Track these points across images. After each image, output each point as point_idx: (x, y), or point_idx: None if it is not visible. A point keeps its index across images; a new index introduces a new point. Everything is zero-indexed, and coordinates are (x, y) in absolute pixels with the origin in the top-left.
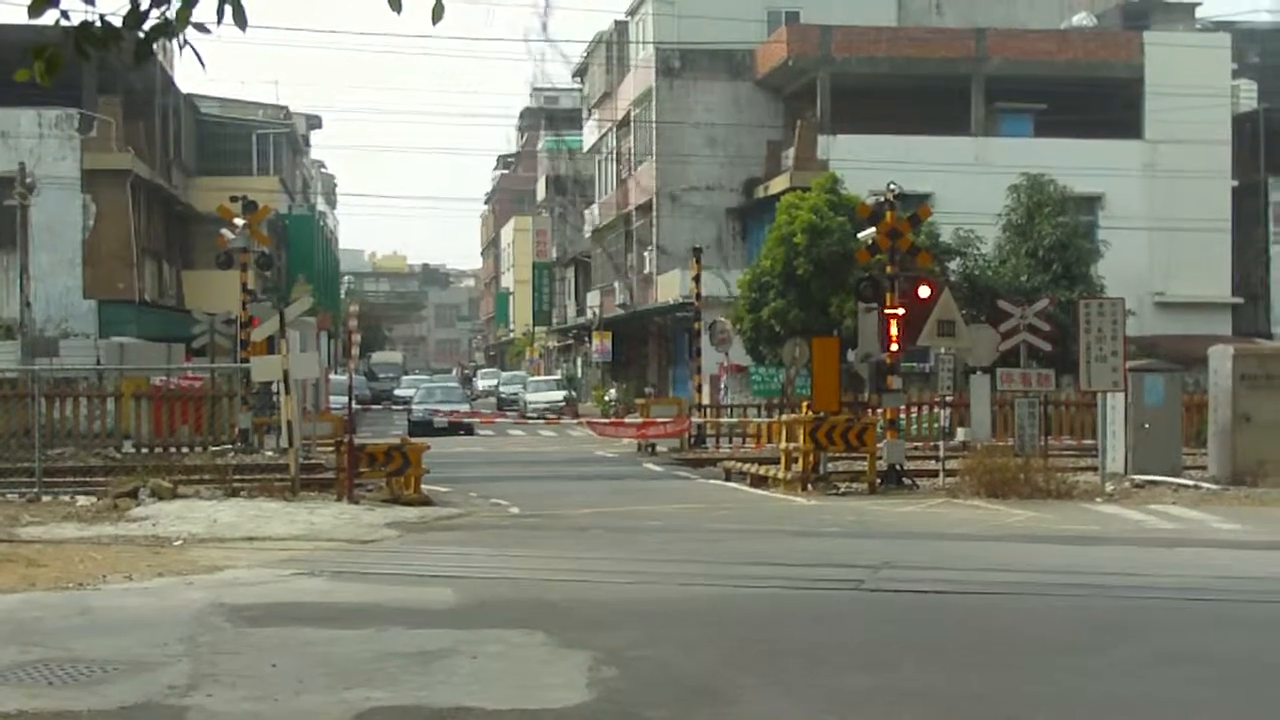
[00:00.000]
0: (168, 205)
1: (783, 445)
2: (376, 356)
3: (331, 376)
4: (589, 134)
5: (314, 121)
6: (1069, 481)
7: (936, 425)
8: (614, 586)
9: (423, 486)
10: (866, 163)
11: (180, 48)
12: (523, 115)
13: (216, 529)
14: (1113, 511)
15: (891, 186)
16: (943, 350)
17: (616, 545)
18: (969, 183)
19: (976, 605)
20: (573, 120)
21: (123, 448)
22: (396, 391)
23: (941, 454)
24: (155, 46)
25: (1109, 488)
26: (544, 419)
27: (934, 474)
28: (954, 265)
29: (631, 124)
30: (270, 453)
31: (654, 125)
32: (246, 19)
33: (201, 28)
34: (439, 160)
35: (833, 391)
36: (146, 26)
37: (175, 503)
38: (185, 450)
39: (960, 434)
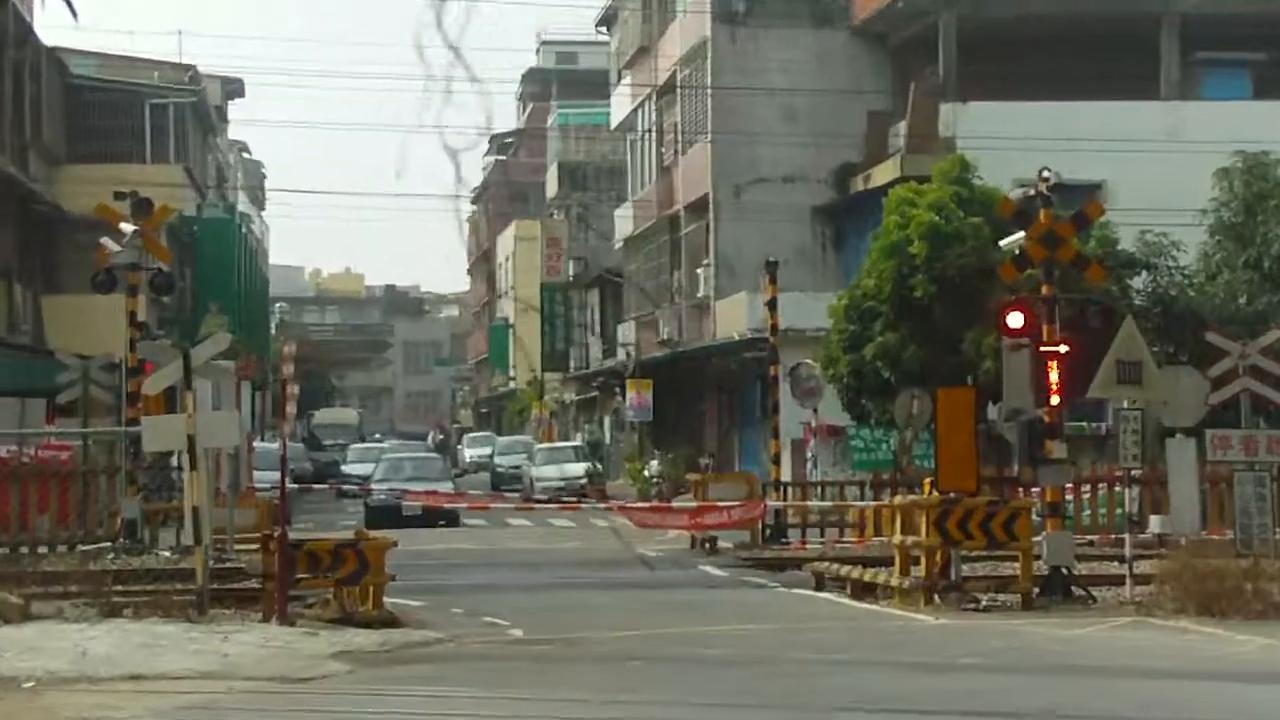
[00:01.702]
0: (23, 205)
1: (897, 540)
2: (321, 415)
3: (257, 444)
4: (619, 104)
5: (233, 88)
6: None
7: (1119, 511)
8: None
9: (386, 600)
10: (1009, 141)
11: None
12: (527, 78)
13: (87, 664)
14: None
15: (1046, 174)
16: (1125, 404)
17: (663, 685)
18: (1158, 166)
19: None
20: (596, 86)
21: None
22: (347, 466)
23: (1128, 552)
24: None
25: None
26: (558, 503)
27: (1117, 581)
28: (1139, 283)
29: (678, 90)
30: (167, 553)
31: (709, 92)
32: None
33: None
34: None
35: (967, 463)
36: None
37: (27, 626)
38: (44, 550)
39: (1154, 523)
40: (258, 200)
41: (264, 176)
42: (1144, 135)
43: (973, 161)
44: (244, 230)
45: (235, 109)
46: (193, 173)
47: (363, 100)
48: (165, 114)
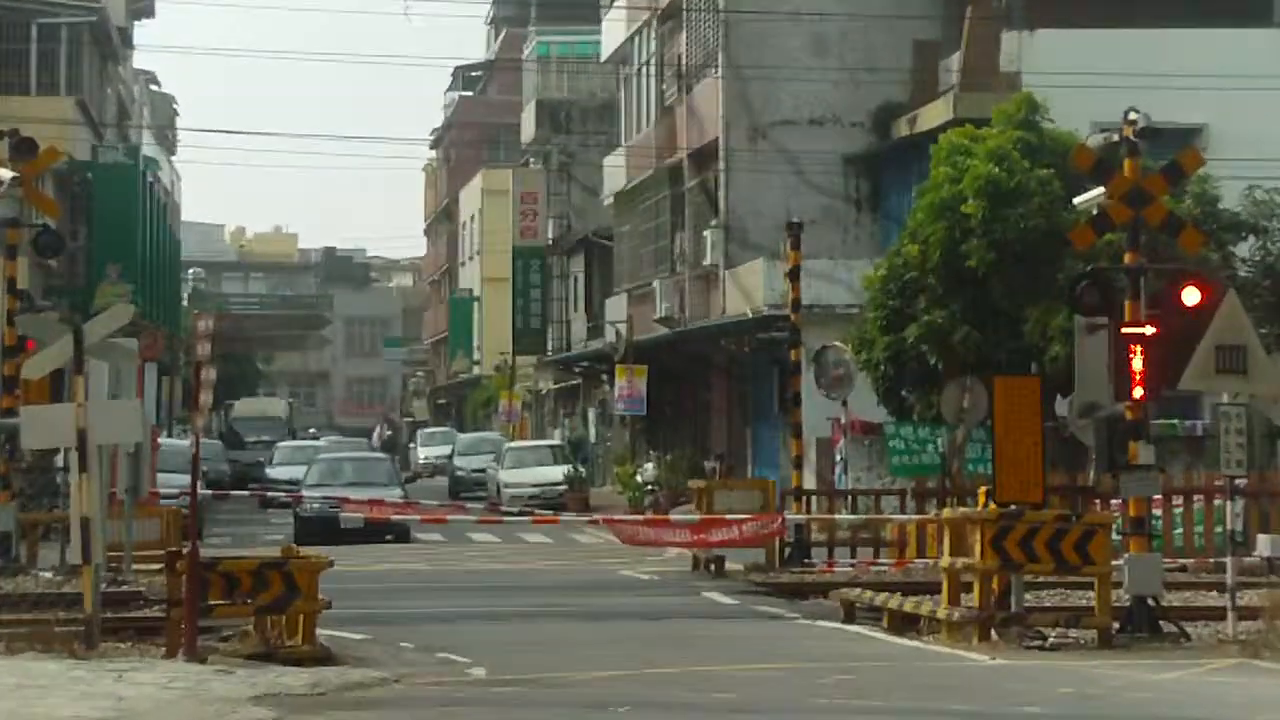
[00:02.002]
0: None
1: (945, 562)
2: (243, 406)
3: (163, 441)
4: (611, 31)
5: (140, 5)
6: None
7: (1219, 530)
8: None
9: (320, 632)
10: (1087, 77)
11: None
12: None
13: None
14: None
15: (1133, 116)
16: (1227, 398)
17: None
18: (1271, 107)
19: None
20: (583, 8)
21: None
22: (272, 469)
23: (1230, 580)
24: None
25: None
26: (531, 515)
27: (1216, 615)
28: (1244, 250)
29: (684, 13)
30: (48, 573)
31: (722, 15)
32: None
33: None
34: (354, 75)
35: (1032, 469)
36: None
37: None
38: None
39: (1262, 545)
40: (167, 143)
41: (175, 114)
42: (1253, 70)
43: (1042, 101)
44: (150, 179)
45: (142, 31)
46: (88, 108)
47: (298, 23)
48: (56, 36)
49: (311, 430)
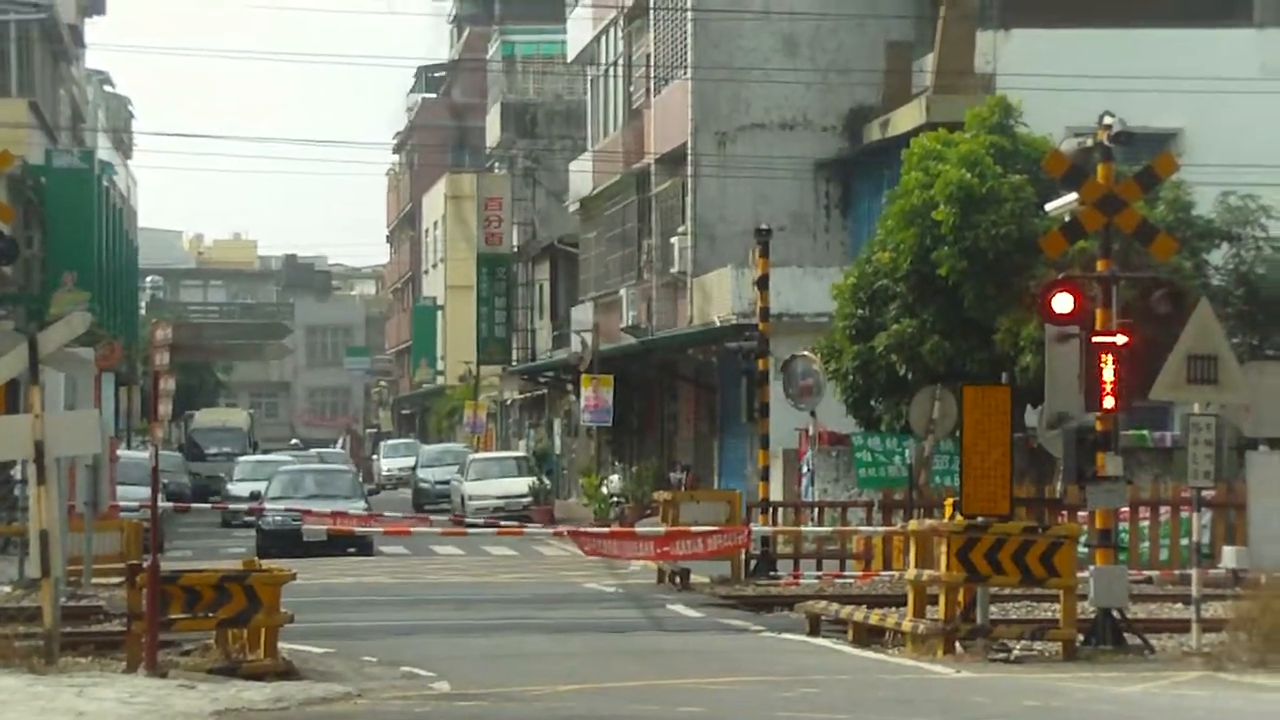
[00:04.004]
0: None
1: (910, 575)
2: (203, 417)
3: (122, 453)
4: (577, 30)
5: (89, 2)
6: None
7: (1185, 542)
8: None
9: (282, 645)
10: (1062, 79)
11: None
12: None
13: None
14: None
15: (1108, 120)
16: (1197, 408)
17: None
18: (1248, 111)
19: None
20: (549, 6)
21: None
22: (233, 485)
23: (1195, 592)
24: None
25: None
26: (496, 527)
27: (1181, 627)
28: (1218, 258)
29: (651, 12)
30: (6, 587)
31: (690, 15)
32: None
33: None
34: (315, 77)
35: (1000, 480)
36: None
37: None
38: None
39: (1229, 557)
40: (123, 146)
41: (131, 116)
42: (1231, 72)
43: (1016, 104)
44: (106, 183)
45: (94, 29)
46: (40, 109)
47: (258, 22)
48: (5, 35)
49: (273, 444)
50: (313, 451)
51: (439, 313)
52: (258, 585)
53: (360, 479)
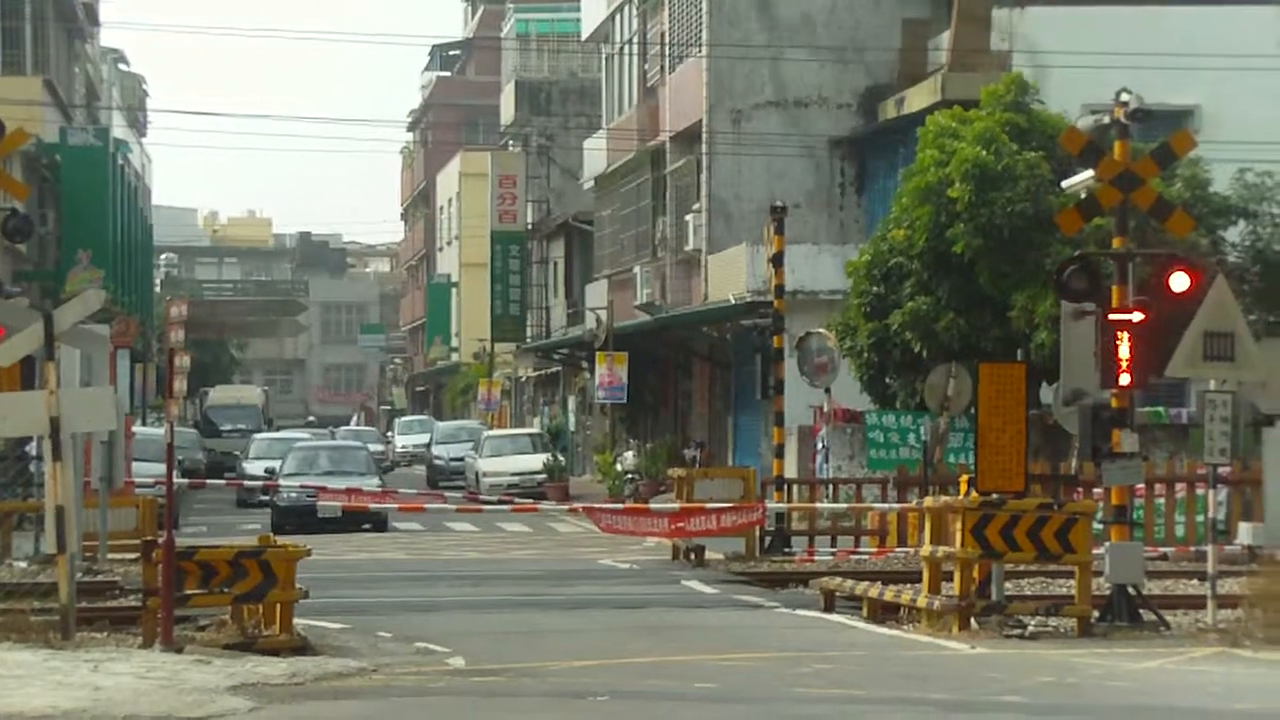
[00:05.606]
0: None
1: (925, 551)
2: (218, 394)
3: (137, 429)
4: (591, 8)
5: None
6: None
7: (1201, 518)
8: None
9: (297, 621)
10: (1079, 56)
11: None
12: None
13: None
14: None
15: (1125, 97)
16: (1213, 385)
17: None
18: (1265, 88)
19: None
20: None
21: None
22: (248, 463)
23: (1211, 568)
24: None
25: None
26: (510, 504)
27: (1197, 603)
28: (1234, 235)
29: None
30: (22, 563)
31: None
32: None
33: None
34: (329, 56)
35: (1014, 457)
36: None
37: None
38: None
39: (1244, 533)
40: (138, 124)
41: (145, 94)
42: (1249, 49)
43: (1032, 82)
44: (121, 161)
45: (109, 7)
46: (55, 88)
47: (272, 0)
48: (19, 12)
49: (288, 420)
50: (342, 429)
51: (453, 290)
52: (273, 561)
53: (376, 455)
